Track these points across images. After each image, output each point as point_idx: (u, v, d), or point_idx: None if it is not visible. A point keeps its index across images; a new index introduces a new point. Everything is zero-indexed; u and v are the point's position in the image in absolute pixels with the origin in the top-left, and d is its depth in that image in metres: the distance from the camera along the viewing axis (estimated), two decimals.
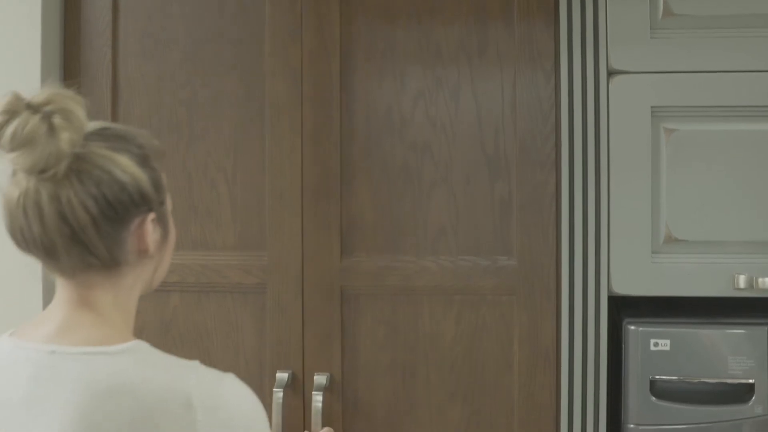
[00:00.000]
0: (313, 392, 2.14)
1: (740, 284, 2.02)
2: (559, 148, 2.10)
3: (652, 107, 2.04)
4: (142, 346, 1.25)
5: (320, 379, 2.16)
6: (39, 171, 1.18)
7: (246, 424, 1.22)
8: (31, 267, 2.16)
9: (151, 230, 1.27)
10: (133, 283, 1.30)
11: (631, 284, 2.07)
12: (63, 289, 1.27)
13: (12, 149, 1.17)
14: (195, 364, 1.23)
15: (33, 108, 1.18)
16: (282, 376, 2.17)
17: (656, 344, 2.04)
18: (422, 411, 2.18)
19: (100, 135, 1.24)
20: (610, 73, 2.06)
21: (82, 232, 1.20)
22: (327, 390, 2.17)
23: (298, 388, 2.19)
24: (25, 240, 1.22)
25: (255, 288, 2.21)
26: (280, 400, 2.15)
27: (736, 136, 2.04)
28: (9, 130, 1.17)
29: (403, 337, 2.18)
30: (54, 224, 1.20)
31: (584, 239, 2.07)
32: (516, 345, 2.15)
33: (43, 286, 2.20)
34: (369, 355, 2.19)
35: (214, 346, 2.22)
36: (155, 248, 1.29)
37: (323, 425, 2.14)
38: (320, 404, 2.12)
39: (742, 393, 2.03)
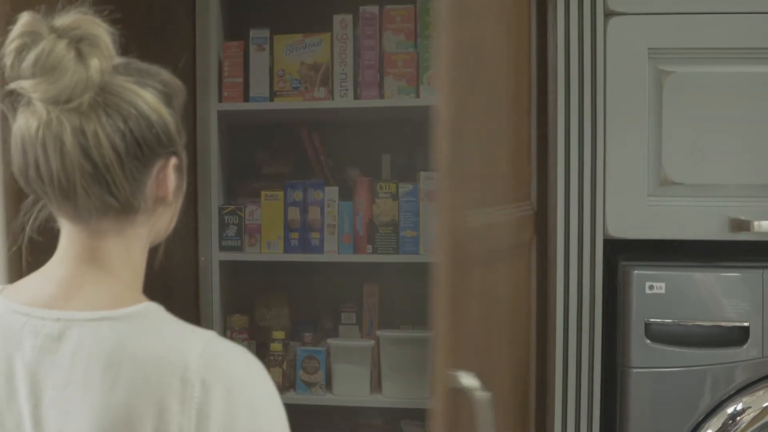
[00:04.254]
0: None
1: (736, 227, 2.02)
2: (555, 90, 2.08)
3: (649, 49, 2.03)
4: (151, 309, 1.14)
5: None
6: (63, 101, 1.06)
7: (244, 404, 1.10)
8: None
9: (172, 176, 1.17)
10: (146, 234, 1.19)
11: (626, 227, 2.07)
12: (71, 240, 1.16)
13: (33, 75, 1.06)
14: (205, 337, 1.12)
15: (57, 32, 1.08)
16: None
17: (651, 287, 2.04)
18: None
19: (125, 68, 1.14)
20: (607, 14, 2.04)
21: (106, 170, 1.09)
22: None
23: None
24: (39, 177, 1.09)
25: None
26: None
27: (734, 78, 2.02)
28: (32, 54, 1.06)
29: None
30: (76, 160, 1.08)
31: (580, 182, 2.06)
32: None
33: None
34: None
35: None
36: (173, 196, 1.20)
37: None
38: None
39: (736, 336, 2.03)
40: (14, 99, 1.09)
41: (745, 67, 2.02)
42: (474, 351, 1.60)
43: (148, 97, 1.12)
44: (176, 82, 1.19)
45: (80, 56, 1.07)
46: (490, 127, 1.77)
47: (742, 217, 2.02)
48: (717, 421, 2.04)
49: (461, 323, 1.52)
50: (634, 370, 2.06)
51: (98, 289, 1.14)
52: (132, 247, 1.17)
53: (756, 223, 2.01)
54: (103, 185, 1.10)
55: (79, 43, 1.08)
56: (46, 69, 1.06)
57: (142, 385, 1.07)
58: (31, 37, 1.07)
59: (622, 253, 2.17)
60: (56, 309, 1.12)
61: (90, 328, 1.10)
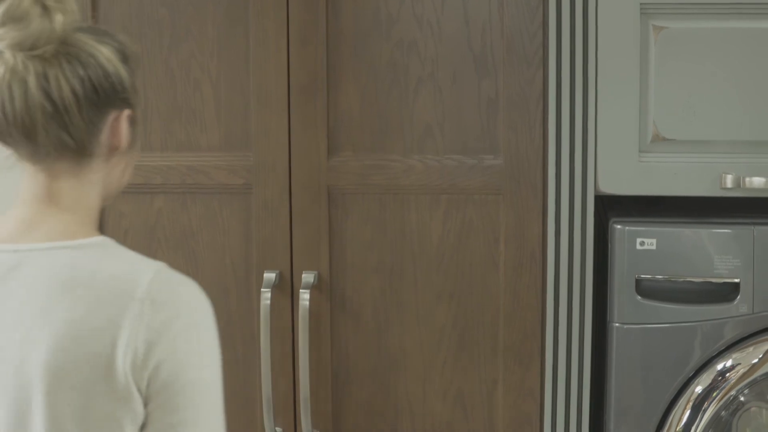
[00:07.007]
0: (301, 290, 2.14)
1: (727, 184, 2.01)
2: (547, 46, 2.07)
3: (641, 4, 2.01)
4: (107, 242, 1.30)
5: (308, 277, 2.16)
6: (28, 48, 1.22)
7: (190, 324, 1.25)
8: None
9: (125, 126, 1.32)
10: (101, 181, 1.34)
11: (617, 183, 2.06)
12: (30, 181, 1.31)
13: (3, 24, 1.23)
14: (157, 264, 1.27)
15: None
16: (269, 276, 2.17)
17: (642, 243, 2.04)
18: (409, 310, 2.19)
19: (86, 29, 1.30)
20: None
21: (65, 111, 1.24)
22: (315, 289, 2.17)
23: (285, 288, 2.19)
24: (5, 118, 1.24)
25: (241, 189, 2.19)
26: (268, 300, 2.15)
27: (726, 34, 2.01)
28: (2, 7, 1.23)
29: (390, 237, 2.18)
30: (38, 101, 1.23)
31: (571, 138, 2.06)
32: (502, 245, 2.15)
33: None
34: (356, 255, 2.19)
35: (200, 248, 2.21)
36: (125, 146, 1.34)
37: (311, 325, 2.14)
38: (308, 302, 2.13)
39: (727, 292, 2.04)
40: None
41: (738, 22, 2.00)
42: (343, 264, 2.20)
43: (106, 51, 1.29)
44: (132, 46, 1.36)
45: (45, 10, 1.23)
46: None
47: (734, 174, 2.01)
48: (707, 377, 2.05)
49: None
50: (625, 326, 2.07)
51: (55, 224, 1.28)
52: (87, 190, 1.32)
53: (747, 179, 2.00)
54: (61, 124, 1.25)
55: (46, 0, 1.24)
56: (14, 18, 1.22)
57: (97, 303, 1.21)
58: None
59: (613, 209, 2.17)
60: (15, 243, 1.27)
61: (47, 255, 1.25)
